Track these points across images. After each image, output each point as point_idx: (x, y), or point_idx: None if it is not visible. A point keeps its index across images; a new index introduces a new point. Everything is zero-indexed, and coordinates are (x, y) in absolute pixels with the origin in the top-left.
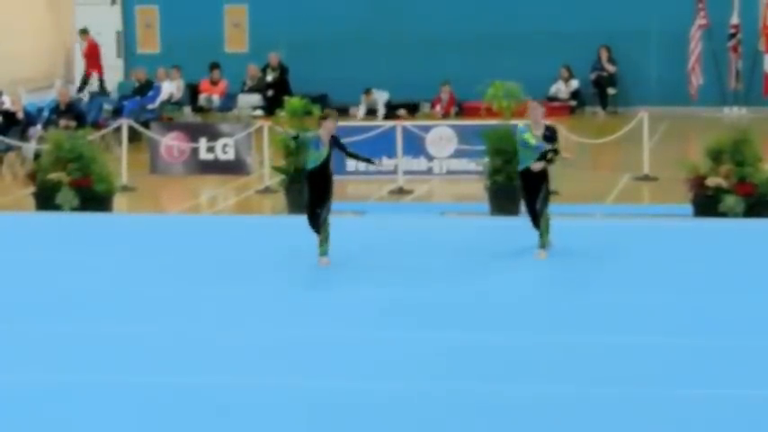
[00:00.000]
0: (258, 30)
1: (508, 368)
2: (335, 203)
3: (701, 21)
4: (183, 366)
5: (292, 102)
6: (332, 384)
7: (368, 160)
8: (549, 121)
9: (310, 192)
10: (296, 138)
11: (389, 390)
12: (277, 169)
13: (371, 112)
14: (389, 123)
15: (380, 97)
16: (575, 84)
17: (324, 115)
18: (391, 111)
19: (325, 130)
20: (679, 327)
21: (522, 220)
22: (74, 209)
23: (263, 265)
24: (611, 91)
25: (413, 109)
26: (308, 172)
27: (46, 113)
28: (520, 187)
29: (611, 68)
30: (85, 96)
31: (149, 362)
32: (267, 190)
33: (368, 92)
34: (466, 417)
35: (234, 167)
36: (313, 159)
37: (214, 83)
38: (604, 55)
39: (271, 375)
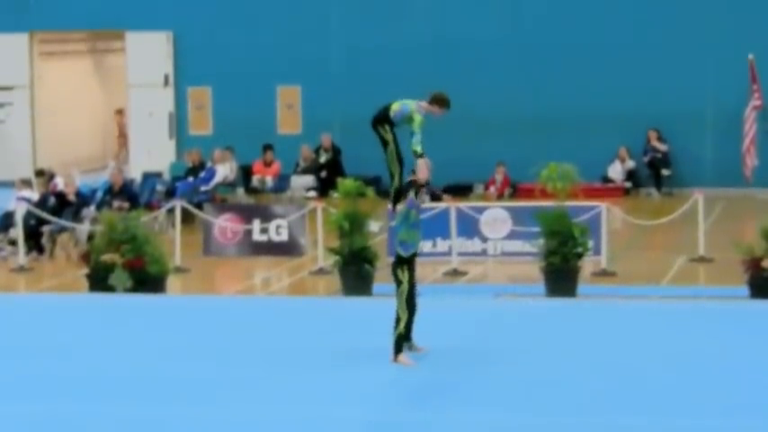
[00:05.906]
0: (311, 111)
1: None
2: (388, 285)
3: (755, 102)
4: None
5: (345, 183)
6: None
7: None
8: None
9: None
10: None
11: None
12: (331, 250)
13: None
14: (443, 205)
15: None
16: (631, 164)
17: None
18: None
19: None
20: (735, 406)
21: (580, 302)
22: (127, 290)
23: (318, 347)
24: (665, 172)
25: (466, 190)
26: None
27: (99, 194)
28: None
29: (662, 147)
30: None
31: None
32: (321, 271)
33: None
34: None
35: (287, 249)
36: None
37: (267, 164)
38: (653, 136)
39: None
